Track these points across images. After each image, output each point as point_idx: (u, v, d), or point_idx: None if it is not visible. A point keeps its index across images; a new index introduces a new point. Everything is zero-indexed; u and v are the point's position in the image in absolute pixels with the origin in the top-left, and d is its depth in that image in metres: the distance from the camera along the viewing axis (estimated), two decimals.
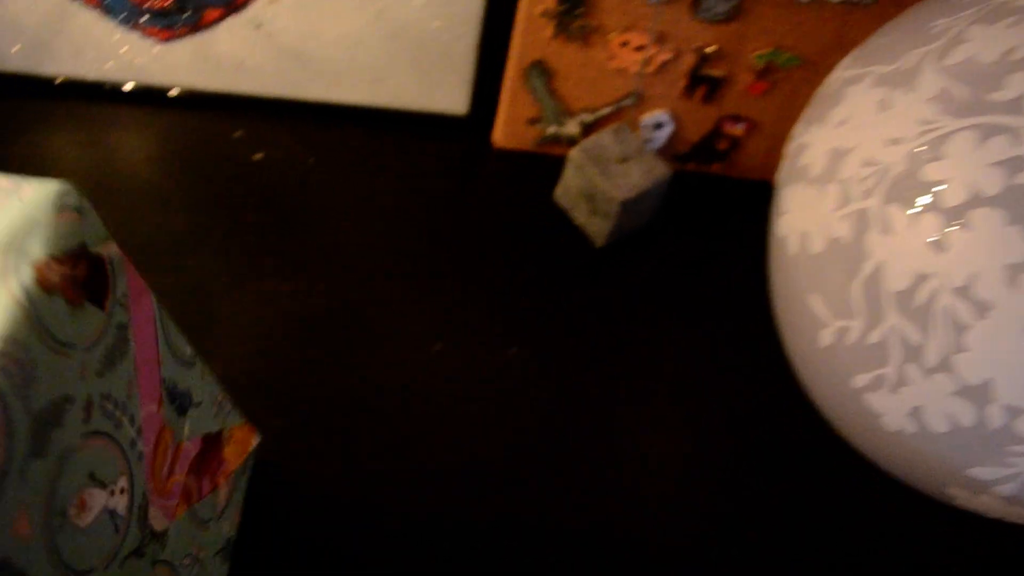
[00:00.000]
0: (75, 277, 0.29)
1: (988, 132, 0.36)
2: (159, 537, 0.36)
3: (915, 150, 0.38)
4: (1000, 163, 0.36)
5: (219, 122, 0.59)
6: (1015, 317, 0.35)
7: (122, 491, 0.33)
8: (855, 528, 0.50)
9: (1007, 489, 0.39)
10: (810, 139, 0.44)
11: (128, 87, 0.59)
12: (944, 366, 0.37)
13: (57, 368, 0.28)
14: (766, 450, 0.52)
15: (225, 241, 0.53)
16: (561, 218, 0.58)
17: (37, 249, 0.28)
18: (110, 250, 0.31)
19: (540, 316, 0.54)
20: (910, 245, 0.37)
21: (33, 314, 0.27)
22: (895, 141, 0.39)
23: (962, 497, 0.41)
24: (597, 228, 0.56)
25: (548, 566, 0.46)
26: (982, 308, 0.35)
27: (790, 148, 0.47)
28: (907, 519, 0.50)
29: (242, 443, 0.42)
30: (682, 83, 0.57)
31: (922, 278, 0.37)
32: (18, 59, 0.57)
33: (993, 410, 0.36)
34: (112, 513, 0.32)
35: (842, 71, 0.45)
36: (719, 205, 0.61)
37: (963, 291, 0.36)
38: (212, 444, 0.40)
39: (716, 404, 0.53)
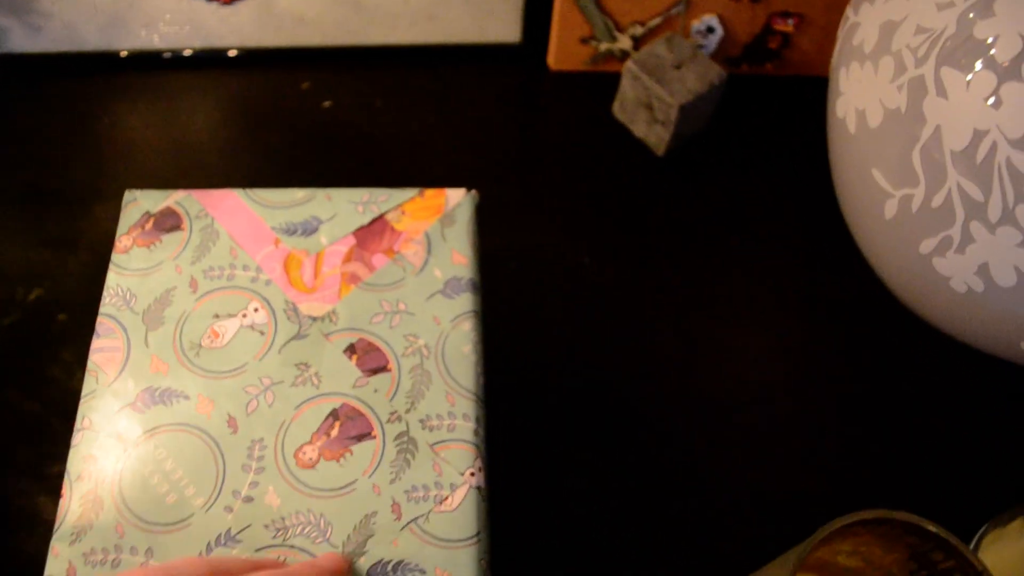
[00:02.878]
0: (145, 229, 0.44)
1: None
2: (324, 318, 0.41)
3: (965, 11, 0.39)
4: None
5: (286, 76, 0.62)
6: None
7: (256, 310, 0.42)
8: (932, 398, 0.51)
9: None
10: (862, 17, 0.45)
11: (194, 52, 0.62)
12: (1007, 219, 0.38)
13: (153, 279, 0.42)
14: (840, 333, 0.53)
15: (305, 185, 0.56)
16: (621, 132, 0.60)
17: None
18: (176, 198, 0.45)
19: (609, 226, 0.56)
20: (966, 104, 0.38)
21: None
22: (945, 5, 0.40)
23: None
24: (657, 137, 0.58)
25: (625, 464, 0.49)
26: None
27: (842, 31, 0.48)
28: (981, 385, 0.52)
29: (428, 208, 0.44)
30: None
31: (980, 135, 0.38)
32: (96, 38, 0.61)
33: None
34: (251, 327, 0.41)
35: None
36: (774, 104, 0.62)
37: (1021, 142, 0.37)
38: (373, 230, 0.44)
39: (786, 295, 0.54)
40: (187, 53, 0.62)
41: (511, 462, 0.47)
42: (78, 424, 0.38)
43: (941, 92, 0.39)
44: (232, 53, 0.62)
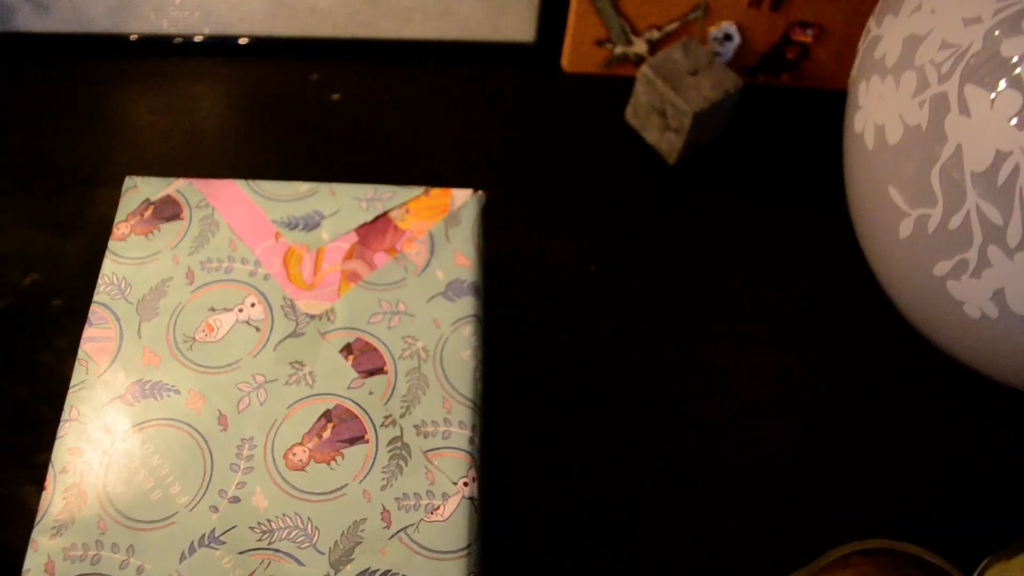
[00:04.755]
0: (144, 216, 0.43)
1: None
2: (321, 316, 0.40)
3: (992, 28, 0.38)
4: None
5: (296, 66, 0.61)
6: None
7: (252, 305, 0.41)
8: (938, 425, 0.50)
9: None
10: (884, 30, 0.44)
11: (204, 39, 0.61)
12: None
13: (149, 269, 0.41)
14: (847, 354, 0.52)
15: (309, 178, 0.56)
16: (633, 138, 0.59)
17: None
18: (177, 186, 0.44)
19: (618, 234, 0.55)
20: (990, 124, 0.37)
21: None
22: (972, 21, 0.39)
23: None
24: (669, 144, 0.57)
25: (624, 480, 0.48)
26: None
27: (863, 44, 0.46)
28: (990, 414, 0.50)
29: (433, 208, 0.43)
30: None
31: (1003, 156, 0.37)
32: (105, 20, 0.60)
33: None
34: (247, 322, 0.40)
35: None
36: (791, 115, 0.61)
37: None
38: (376, 228, 0.43)
39: (794, 311, 0.53)
40: (197, 39, 0.61)
41: (506, 472, 0.46)
42: (65, 415, 0.37)
43: (964, 110, 0.38)
44: (242, 41, 0.61)
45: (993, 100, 0.37)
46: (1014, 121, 0.37)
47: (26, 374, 0.48)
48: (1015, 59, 0.37)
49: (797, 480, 0.48)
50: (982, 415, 0.50)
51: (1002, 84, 0.37)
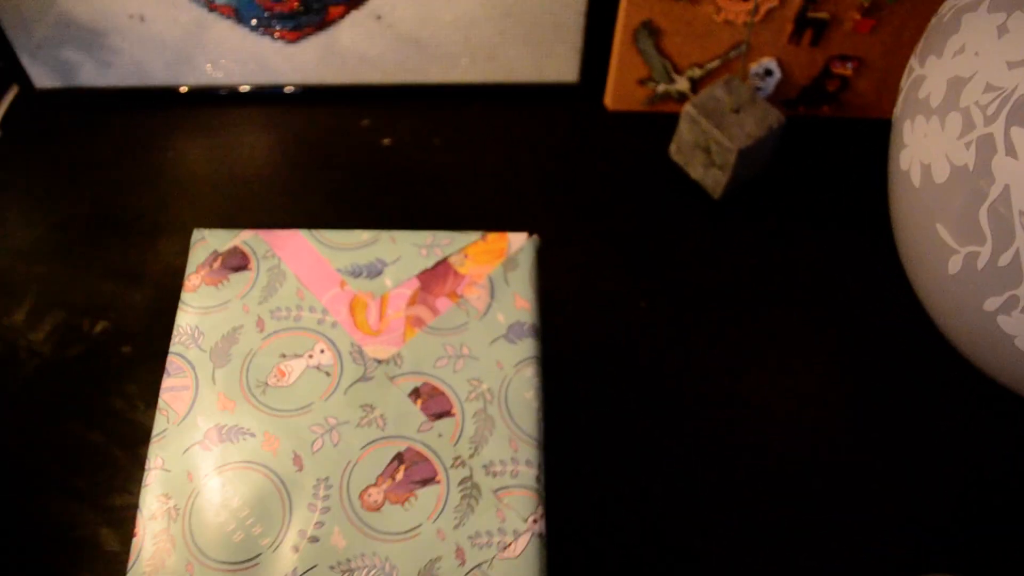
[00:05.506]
0: (213, 268, 0.45)
1: None
2: (388, 361, 0.42)
3: None
4: None
5: (346, 113, 0.63)
6: None
7: (322, 351, 0.42)
8: (990, 454, 0.50)
9: None
10: (927, 71, 0.45)
11: (255, 88, 0.63)
12: None
13: (221, 317, 0.43)
14: (898, 385, 0.52)
15: (364, 223, 0.57)
16: (678, 173, 0.60)
17: None
18: (243, 238, 0.46)
19: (666, 270, 0.56)
20: None
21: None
22: (1017, 64, 0.39)
23: None
24: (714, 180, 0.58)
25: (682, 512, 0.48)
26: None
27: (907, 82, 0.47)
28: None
29: (490, 252, 0.45)
30: (788, 28, 0.58)
31: None
32: (163, 73, 0.63)
33: None
34: (317, 367, 0.42)
35: (954, 0, 0.45)
36: (833, 146, 0.62)
37: None
38: (437, 273, 0.44)
39: (843, 344, 0.54)
40: (244, 89, 0.63)
41: (570, 507, 0.47)
42: (150, 463, 0.39)
43: (1011, 151, 0.39)
44: (289, 89, 0.63)
45: None
46: None
47: (99, 419, 0.50)
48: None
49: (846, 512, 0.48)
50: None
51: None
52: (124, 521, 0.47)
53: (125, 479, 0.48)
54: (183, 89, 0.63)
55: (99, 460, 0.49)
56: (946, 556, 0.47)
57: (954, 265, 0.43)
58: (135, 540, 0.37)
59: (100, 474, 0.48)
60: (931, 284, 0.46)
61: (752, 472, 0.49)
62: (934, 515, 0.48)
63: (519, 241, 0.45)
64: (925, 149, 0.44)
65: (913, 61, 0.47)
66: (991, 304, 0.42)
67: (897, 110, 0.48)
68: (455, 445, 0.40)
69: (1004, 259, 0.40)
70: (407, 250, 0.45)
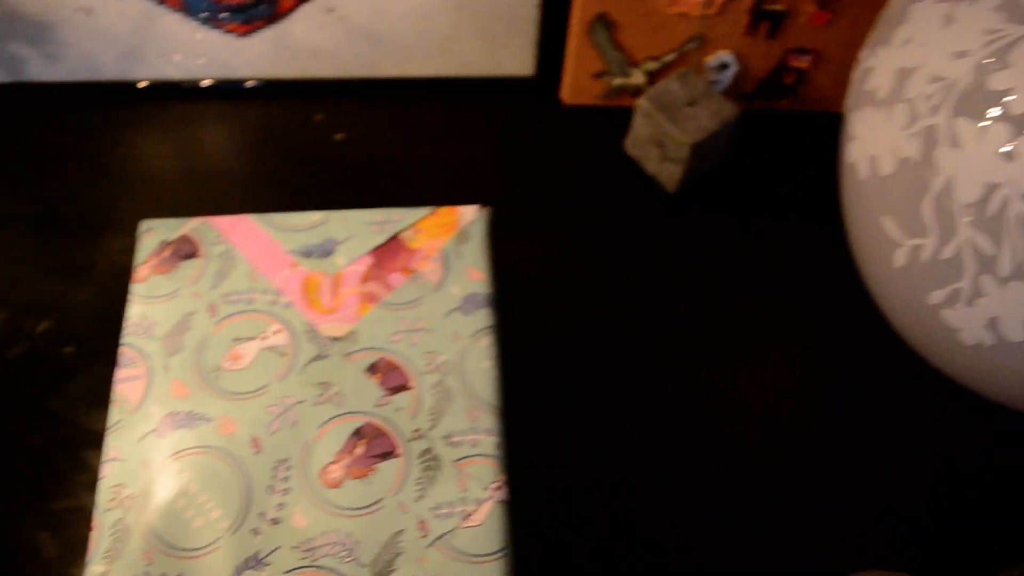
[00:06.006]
0: (162, 257, 0.44)
1: None
2: (344, 338, 0.42)
3: (981, 61, 0.38)
4: None
5: (300, 108, 0.62)
6: None
7: (276, 332, 0.42)
8: (939, 446, 0.50)
9: None
10: (876, 62, 0.44)
11: (210, 82, 0.62)
12: (1019, 274, 0.37)
13: (172, 305, 0.42)
14: (850, 379, 0.52)
15: None
16: (633, 168, 0.60)
17: None
18: (191, 225, 0.45)
19: (623, 263, 0.56)
20: (980, 156, 0.38)
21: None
22: (961, 54, 0.39)
23: None
24: (669, 174, 0.57)
25: (640, 476, 0.48)
26: None
27: (856, 73, 0.47)
28: (991, 434, 0.50)
29: (442, 226, 0.45)
30: (744, 21, 0.57)
31: (993, 188, 0.37)
32: (113, 68, 0.61)
33: None
34: (272, 349, 0.41)
35: None
36: (789, 140, 0.62)
37: None
38: (389, 249, 0.44)
39: (796, 338, 0.54)
40: (203, 84, 0.62)
41: (532, 475, 0.47)
42: (105, 456, 0.38)
43: (954, 143, 0.39)
44: (248, 84, 0.62)
45: (982, 132, 0.37)
46: (1004, 153, 0.37)
47: (39, 422, 0.49)
48: (1004, 92, 0.37)
49: (798, 505, 0.48)
50: (981, 437, 0.50)
51: (991, 117, 0.37)
52: (65, 526, 0.46)
53: (67, 483, 0.47)
54: (140, 84, 0.62)
55: (40, 463, 0.48)
56: (891, 550, 0.47)
57: (899, 258, 0.43)
58: (92, 533, 0.37)
59: (41, 478, 0.47)
60: (879, 278, 0.46)
61: (714, 458, 0.49)
62: (895, 507, 0.48)
63: (470, 214, 0.45)
64: (872, 141, 0.43)
65: (863, 52, 0.47)
66: (935, 297, 0.41)
67: (847, 103, 0.48)
68: (414, 418, 0.40)
69: (947, 252, 0.40)
70: (359, 228, 0.45)
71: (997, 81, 0.37)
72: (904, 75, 0.41)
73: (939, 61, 0.40)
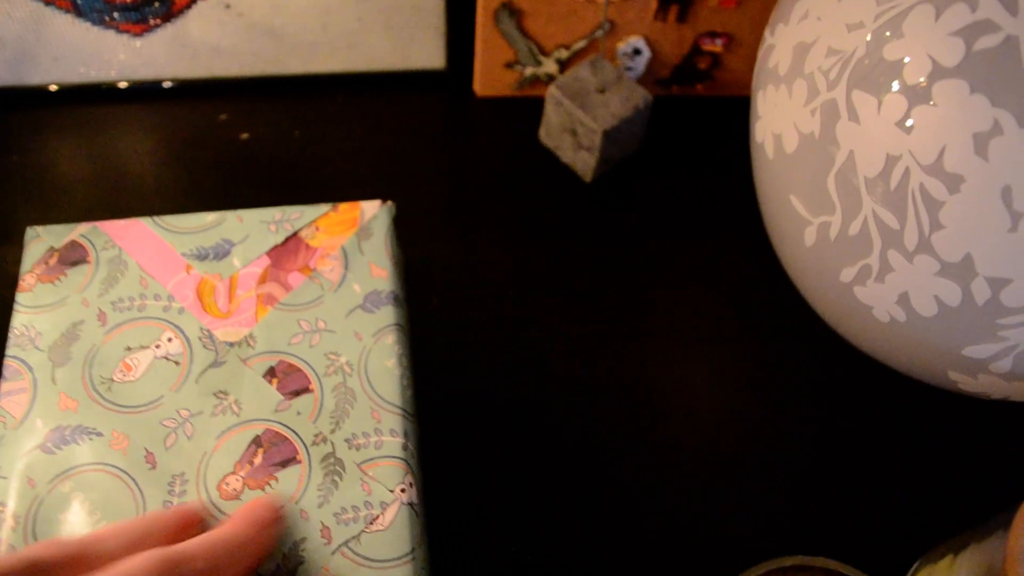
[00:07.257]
0: (49, 264, 0.42)
1: (945, 2, 0.35)
2: (240, 343, 0.40)
3: (875, 32, 0.38)
4: (958, 32, 0.35)
5: (204, 108, 0.60)
6: (985, 187, 0.34)
7: (169, 340, 0.40)
8: (863, 423, 0.50)
9: (1003, 365, 0.38)
10: (776, 39, 0.44)
11: (109, 85, 0.60)
12: (924, 247, 0.37)
13: (59, 314, 0.40)
14: (773, 361, 0.52)
15: None
16: (549, 158, 0.58)
17: None
18: (81, 231, 0.43)
19: (537, 256, 0.54)
20: (878, 129, 0.37)
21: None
22: (856, 26, 0.38)
23: (963, 381, 0.41)
24: (584, 163, 0.56)
25: (556, 479, 0.47)
26: (953, 182, 0.35)
27: (760, 52, 0.46)
28: (914, 411, 0.50)
29: (343, 223, 0.43)
30: (653, 5, 0.56)
31: (893, 160, 0.37)
32: (5, 73, 0.59)
33: (977, 285, 0.36)
34: (166, 357, 0.40)
35: None
36: (707, 125, 0.61)
37: (934, 167, 0.35)
38: (287, 249, 0.43)
39: (718, 322, 0.53)
40: (102, 86, 0.60)
41: (446, 476, 0.46)
42: None
43: (853, 116, 0.38)
44: (149, 85, 0.60)
45: (880, 105, 0.37)
46: (902, 125, 0.36)
47: None
48: (899, 62, 0.36)
49: (717, 492, 0.47)
50: (903, 416, 0.50)
51: (887, 88, 0.37)
52: None
53: None
54: (32, 87, 0.60)
55: None
56: (820, 536, 0.46)
57: (809, 236, 0.42)
58: None
59: None
60: (792, 257, 0.45)
61: (637, 452, 0.48)
62: (820, 492, 0.47)
63: (372, 209, 0.44)
64: (776, 119, 0.43)
65: (766, 31, 0.46)
66: (847, 275, 0.41)
67: (753, 82, 0.47)
68: (315, 422, 0.38)
69: (854, 228, 0.39)
70: (255, 228, 0.43)
71: (892, 51, 0.37)
72: (802, 50, 0.41)
73: (834, 34, 0.39)
